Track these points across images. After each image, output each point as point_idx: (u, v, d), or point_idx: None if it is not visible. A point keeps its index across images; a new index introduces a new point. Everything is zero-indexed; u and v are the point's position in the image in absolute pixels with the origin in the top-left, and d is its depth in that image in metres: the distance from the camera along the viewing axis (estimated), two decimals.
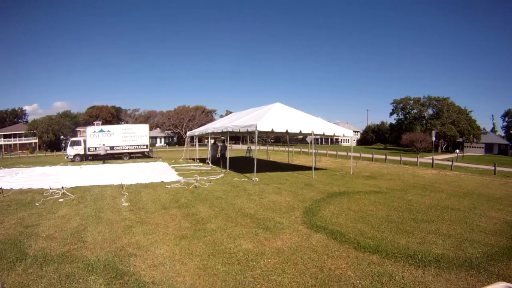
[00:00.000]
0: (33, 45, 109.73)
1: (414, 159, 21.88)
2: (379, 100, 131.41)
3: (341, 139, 69.44)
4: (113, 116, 72.39)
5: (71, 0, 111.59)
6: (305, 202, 7.54)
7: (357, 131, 79.84)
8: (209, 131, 17.01)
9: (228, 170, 14.29)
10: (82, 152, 23.50)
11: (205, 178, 11.43)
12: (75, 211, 6.57)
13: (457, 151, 31.99)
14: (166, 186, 9.86)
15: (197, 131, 20.69)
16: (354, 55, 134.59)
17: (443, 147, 50.05)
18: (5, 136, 59.14)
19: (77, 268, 3.66)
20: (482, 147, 51.43)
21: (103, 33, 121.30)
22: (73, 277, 3.44)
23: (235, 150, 35.74)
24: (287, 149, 26.76)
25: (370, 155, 24.68)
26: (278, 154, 28.70)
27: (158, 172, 13.99)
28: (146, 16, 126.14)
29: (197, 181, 10.42)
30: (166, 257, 4.04)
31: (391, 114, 56.24)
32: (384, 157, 23.47)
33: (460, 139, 48.28)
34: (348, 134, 14.44)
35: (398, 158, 22.63)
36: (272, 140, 58.33)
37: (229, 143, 34.07)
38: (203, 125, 35.35)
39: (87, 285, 3.28)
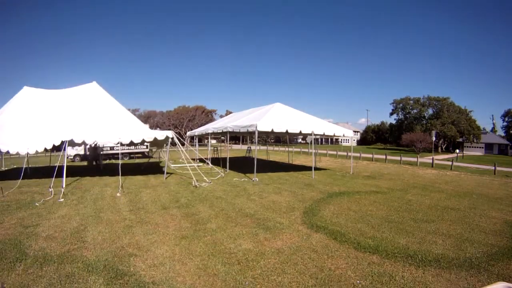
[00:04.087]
0: (31, 44, 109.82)
1: (414, 159, 21.88)
2: (379, 100, 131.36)
3: (341, 139, 69.48)
4: None
5: None
6: (305, 202, 7.54)
7: (357, 131, 79.88)
8: (209, 131, 17.01)
9: (228, 170, 14.28)
10: (82, 152, 23.51)
11: (205, 178, 11.43)
12: (75, 211, 6.57)
13: (457, 151, 31.99)
14: (165, 183, 9.85)
15: (197, 131, 20.67)
16: (354, 55, 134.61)
17: (443, 147, 50.06)
18: None
19: (77, 268, 3.66)
20: (482, 147, 51.42)
21: (103, 33, 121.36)
22: (73, 277, 3.44)
23: (235, 150, 35.73)
24: (287, 149, 26.75)
25: (370, 155, 24.67)
26: (278, 154, 28.70)
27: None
28: (146, 16, 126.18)
29: (197, 181, 10.41)
30: (166, 257, 4.04)
31: (391, 114, 56.24)
32: (384, 157, 23.46)
33: (460, 139, 48.30)
34: (348, 134, 14.43)
35: (398, 158, 22.63)
36: (272, 140, 58.32)
37: (229, 143, 34.04)
38: (203, 125, 35.36)
39: (87, 285, 3.28)
